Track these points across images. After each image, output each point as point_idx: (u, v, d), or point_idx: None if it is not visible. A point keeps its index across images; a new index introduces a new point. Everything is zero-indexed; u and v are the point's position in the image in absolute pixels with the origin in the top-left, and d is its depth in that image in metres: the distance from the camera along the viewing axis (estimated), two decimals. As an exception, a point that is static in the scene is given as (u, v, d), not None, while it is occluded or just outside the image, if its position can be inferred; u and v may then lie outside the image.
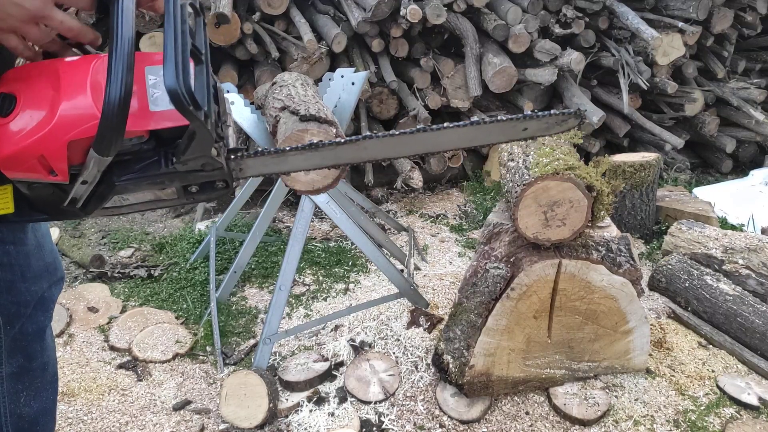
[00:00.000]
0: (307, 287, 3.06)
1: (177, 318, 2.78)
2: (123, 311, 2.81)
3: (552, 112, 1.25)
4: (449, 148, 1.33)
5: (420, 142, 1.26)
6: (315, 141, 1.19)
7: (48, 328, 1.45)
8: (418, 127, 1.24)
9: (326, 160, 1.24)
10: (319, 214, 3.73)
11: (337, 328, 2.64)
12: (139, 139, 1.02)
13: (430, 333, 2.56)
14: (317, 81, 3.08)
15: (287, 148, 1.17)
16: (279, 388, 2.27)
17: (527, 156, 2.20)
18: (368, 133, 1.24)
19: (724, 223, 3.58)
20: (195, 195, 1.11)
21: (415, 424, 2.13)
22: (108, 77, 0.87)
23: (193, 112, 0.89)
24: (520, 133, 1.30)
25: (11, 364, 1.36)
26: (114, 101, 0.87)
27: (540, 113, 1.25)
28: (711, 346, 2.49)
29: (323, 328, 2.66)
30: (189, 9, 1.00)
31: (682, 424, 2.12)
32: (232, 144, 1.12)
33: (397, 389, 2.27)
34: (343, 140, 1.20)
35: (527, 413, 2.16)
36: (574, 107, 4.13)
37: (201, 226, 3.61)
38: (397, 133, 1.22)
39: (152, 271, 3.15)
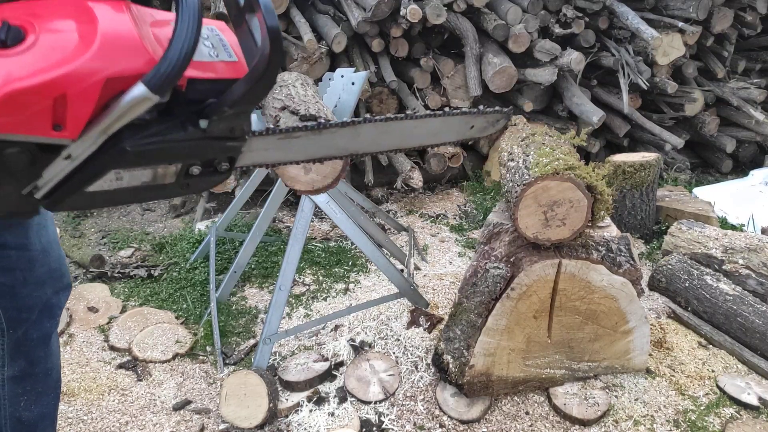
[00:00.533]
0: (307, 287, 3.06)
1: (177, 318, 2.78)
2: (123, 311, 2.81)
3: (493, 108, 1.42)
4: (416, 144, 1.38)
5: (401, 132, 1.30)
6: (322, 121, 1.20)
7: (54, 335, 1.43)
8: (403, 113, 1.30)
9: (324, 149, 1.22)
10: (319, 214, 3.73)
11: (337, 328, 2.64)
12: None
13: (430, 333, 2.56)
14: (317, 81, 3.08)
15: (297, 126, 1.16)
16: (279, 388, 2.27)
17: (527, 156, 2.20)
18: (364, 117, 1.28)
19: (724, 223, 3.59)
20: (193, 180, 1.00)
21: (415, 424, 2.13)
22: (179, 5, 0.79)
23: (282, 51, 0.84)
24: (467, 132, 1.41)
25: (13, 367, 1.35)
26: (191, 25, 0.78)
27: (486, 108, 1.41)
28: (711, 346, 2.49)
29: (323, 328, 2.66)
30: None
31: (682, 424, 2.11)
32: None
33: (397, 389, 2.27)
34: (348, 120, 1.21)
35: (527, 413, 2.16)
36: (573, 106, 4.13)
37: (201, 226, 3.61)
38: (391, 117, 1.26)
39: (152, 271, 3.15)
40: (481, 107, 1.43)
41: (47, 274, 1.34)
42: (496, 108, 1.44)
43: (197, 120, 0.91)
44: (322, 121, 1.19)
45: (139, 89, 0.80)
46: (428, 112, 1.33)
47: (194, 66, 0.89)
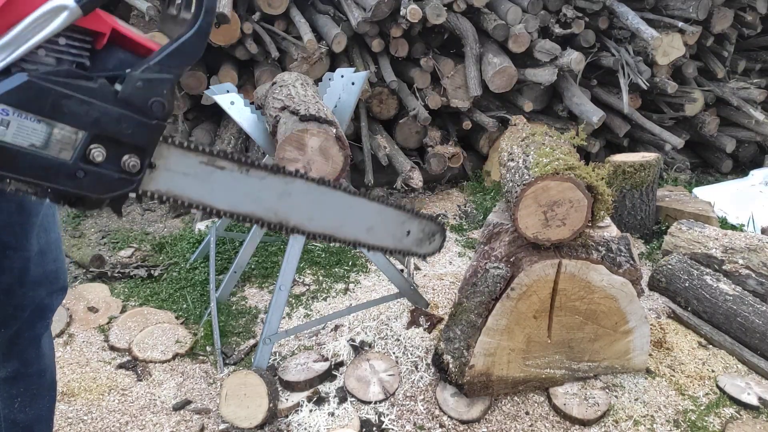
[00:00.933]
0: (307, 287, 3.06)
1: (177, 318, 2.78)
2: (123, 311, 2.81)
3: (428, 215, 1.43)
4: (351, 237, 1.31)
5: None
6: (252, 159, 1.09)
7: (45, 336, 1.42)
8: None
9: (250, 201, 1.09)
10: (319, 214, 3.72)
11: (337, 328, 2.64)
12: (83, 39, 0.82)
13: (430, 333, 2.56)
14: (317, 81, 3.07)
15: (223, 151, 1.05)
16: (279, 388, 2.27)
17: (527, 156, 2.20)
18: (302, 174, 1.16)
19: (724, 223, 3.58)
20: (92, 172, 0.85)
21: (415, 424, 2.13)
22: None
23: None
24: (404, 239, 1.39)
25: (6, 368, 1.35)
26: None
27: (423, 213, 1.42)
28: (711, 346, 2.49)
29: (323, 328, 2.66)
30: None
31: (682, 424, 2.11)
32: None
33: (397, 389, 2.27)
34: (280, 166, 1.11)
35: (527, 413, 2.16)
36: (573, 106, 4.13)
37: (201, 226, 3.61)
38: (326, 181, 1.19)
39: (152, 271, 3.15)
40: (415, 210, 1.44)
41: (42, 276, 1.34)
42: (431, 215, 1.44)
43: (113, 82, 0.84)
44: (252, 159, 1.09)
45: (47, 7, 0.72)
46: (365, 193, 1.31)
47: (119, 25, 0.83)
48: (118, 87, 0.82)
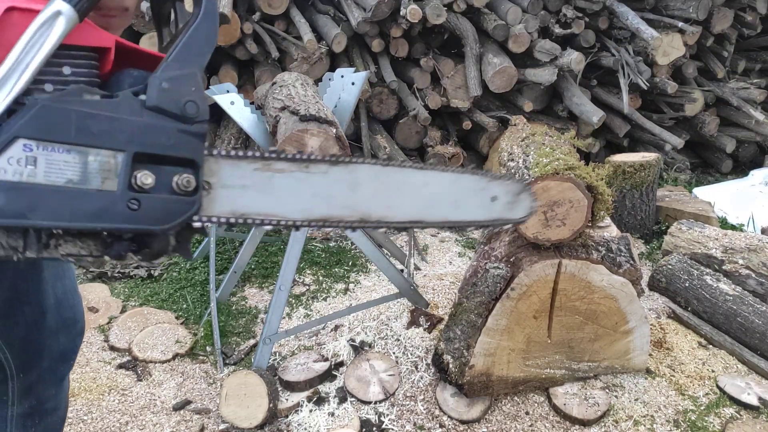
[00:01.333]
0: (307, 287, 3.06)
1: (177, 318, 2.78)
2: (123, 311, 2.81)
3: (507, 174, 1.26)
4: (440, 217, 1.10)
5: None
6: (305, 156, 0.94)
7: (67, 375, 1.42)
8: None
9: (321, 203, 0.95)
10: (319, 214, 3.73)
11: (337, 328, 2.64)
12: (89, 63, 0.75)
13: (430, 333, 2.56)
14: (317, 81, 3.08)
15: (273, 151, 0.93)
16: (279, 388, 2.27)
17: (527, 156, 2.20)
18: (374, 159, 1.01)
19: (724, 223, 3.59)
20: (146, 200, 0.74)
21: (415, 424, 2.13)
22: None
23: None
24: (491, 205, 1.16)
25: (23, 405, 1.33)
26: None
27: (500, 175, 1.17)
28: (711, 346, 2.49)
29: (323, 328, 2.66)
30: None
31: (682, 424, 2.11)
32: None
33: (397, 389, 2.27)
34: (339, 156, 0.98)
35: (527, 413, 2.16)
36: (573, 106, 4.13)
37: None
38: (395, 163, 1.04)
39: (152, 271, 3.15)
40: (490, 172, 1.21)
41: (60, 323, 1.31)
42: (508, 174, 1.22)
43: (135, 94, 0.75)
44: (305, 156, 0.95)
45: (54, 3, 0.65)
46: (432, 164, 1.16)
47: (122, 39, 0.79)
48: (141, 96, 0.75)
